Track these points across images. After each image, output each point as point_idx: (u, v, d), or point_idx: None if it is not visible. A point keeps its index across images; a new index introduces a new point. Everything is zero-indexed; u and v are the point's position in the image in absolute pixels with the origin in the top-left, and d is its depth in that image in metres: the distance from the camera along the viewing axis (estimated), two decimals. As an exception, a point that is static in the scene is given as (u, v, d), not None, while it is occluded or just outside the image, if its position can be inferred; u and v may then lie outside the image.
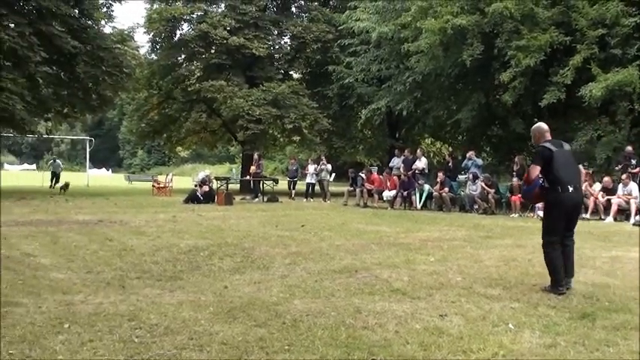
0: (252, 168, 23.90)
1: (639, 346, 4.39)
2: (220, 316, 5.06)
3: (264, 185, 23.38)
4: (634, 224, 14.22)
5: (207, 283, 6.53)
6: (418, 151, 22.04)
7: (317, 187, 23.98)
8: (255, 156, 24.51)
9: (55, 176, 31.61)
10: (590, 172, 17.08)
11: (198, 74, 31.62)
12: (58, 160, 35.34)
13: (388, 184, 20.49)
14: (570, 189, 6.17)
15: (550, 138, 6.51)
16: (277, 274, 7.09)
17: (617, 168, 17.37)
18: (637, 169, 17.07)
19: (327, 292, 6.10)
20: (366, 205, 20.19)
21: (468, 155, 20.11)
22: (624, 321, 5.07)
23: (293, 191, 24.10)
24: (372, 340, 4.48)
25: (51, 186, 30.02)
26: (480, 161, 20.38)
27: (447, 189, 18.93)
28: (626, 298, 5.98)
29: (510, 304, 5.69)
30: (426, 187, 19.56)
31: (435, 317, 5.13)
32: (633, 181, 16.09)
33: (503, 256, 8.58)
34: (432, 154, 36.22)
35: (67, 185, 25.48)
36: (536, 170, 6.30)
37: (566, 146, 6.52)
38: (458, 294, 6.07)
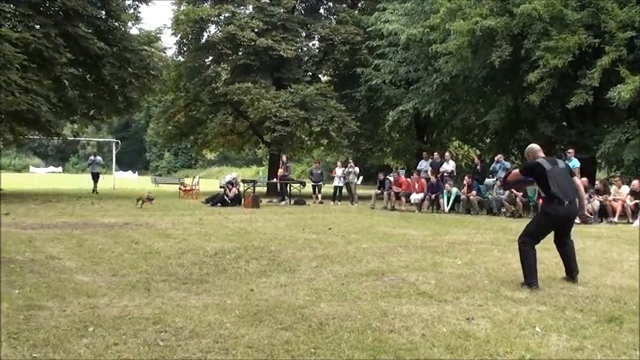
0: (280, 171, 24.03)
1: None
2: (246, 319, 5.09)
3: (292, 188, 23.47)
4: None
5: (233, 286, 6.58)
6: (446, 153, 21.96)
7: (344, 190, 23.95)
8: (283, 158, 24.65)
9: (96, 178, 28.12)
10: (619, 174, 16.91)
11: (226, 76, 31.84)
12: (98, 157, 30.18)
13: (416, 187, 20.44)
14: (566, 203, 6.69)
15: (543, 156, 7.17)
16: (304, 277, 7.12)
17: None
18: None
19: (353, 295, 6.12)
20: (393, 208, 20.19)
21: (496, 159, 20.00)
22: None
23: (319, 195, 23.94)
24: (399, 343, 4.49)
25: (94, 190, 27.08)
26: (508, 164, 20.18)
27: (474, 192, 18.86)
28: None
29: (537, 307, 5.68)
30: (454, 190, 19.50)
31: (462, 320, 5.14)
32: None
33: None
34: (459, 157, 36.07)
35: (149, 198, 19.40)
36: (517, 177, 7.56)
37: (561, 164, 7.12)
38: (485, 297, 6.07)
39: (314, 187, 24.34)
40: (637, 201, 15.75)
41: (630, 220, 15.56)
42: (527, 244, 6.75)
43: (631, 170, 18.64)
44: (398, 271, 7.49)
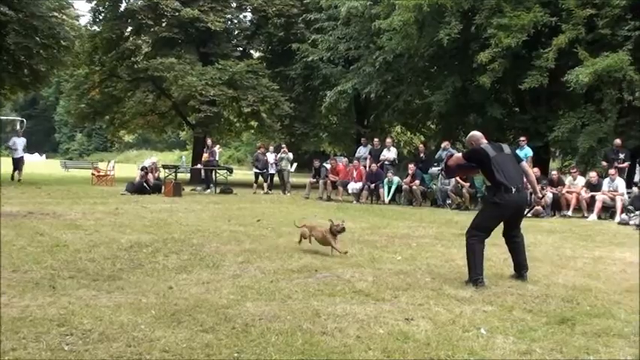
0: (205, 156, 23.75)
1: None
2: (163, 320, 5.01)
3: (217, 175, 23.28)
4: (619, 223, 14.50)
5: (150, 283, 6.47)
6: (388, 140, 22.10)
7: (276, 178, 23.88)
8: (209, 142, 24.38)
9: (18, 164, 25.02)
10: (573, 164, 17.33)
11: (146, 50, 31.39)
12: (21, 139, 25.79)
13: (354, 175, 20.54)
14: (514, 190, 6.77)
15: (487, 142, 7.25)
16: (228, 273, 7.06)
17: (603, 163, 17.63)
18: (625, 164, 17.33)
19: (283, 293, 6.09)
20: (329, 199, 20.30)
21: (442, 146, 20.26)
22: (606, 327, 5.15)
23: (265, 185, 23.22)
24: (331, 346, 4.49)
25: (16, 178, 24.61)
26: (454, 152, 20.43)
27: (417, 182, 19.05)
28: (609, 302, 6.09)
29: (483, 307, 5.76)
30: (395, 179, 19.68)
31: (401, 321, 5.17)
32: (620, 176, 16.36)
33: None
34: (402, 144, 36.57)
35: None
36: (459, 161, 7.48)
37: (507, 149, 7.24)
38: (426, 296, 6.13)
39: (257, 175, 23.77)
40: (593, 193, 16.11)
41: (585, 214, 15.97)
42: (475, 237, 6.82)
43: (585, 159, 19.08)
44: (332, 268, 7.50)
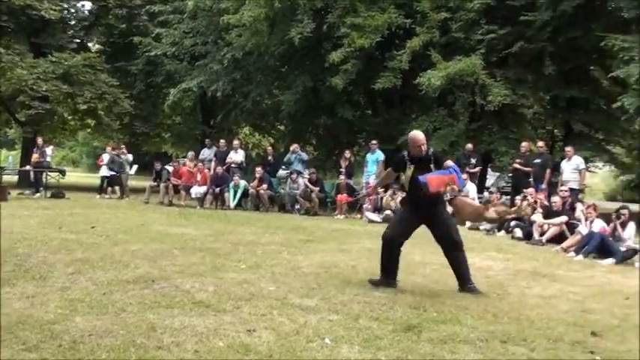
0: (35, 156, 22.78)
1: None
2: (-19, 339, 4.76)
3: (49, 177, 22.40)
4: (469, 228, 15.11)
5: (-33, 298, 6.14)
6: (235, 141, 22.08)
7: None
8: (39, 141, 23.40)
9: None
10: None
11: (-32, 38, 29.70)
12: None
13: (198, 178, 20.34)
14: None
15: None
16: (57, 285, 6.80)
17: None
18: (477, 169, 18.17)
19: (116, 306, 5.94)
20: (171, 204, 19.99)
21: (291, 148, 20.42)
22: (452, 333, 5.37)
23: (119, 190, 22.34)
24: (166, 361, 4.44)
25: None
26: (305, 155, 20.77)
27: (265, 186, 19.12)
28: (456, 307, 6.37)
29: (328, 316, 5.86)
30: (242, 183, 19.64)
31: (242, 333, 5.17)
32: (472, 181, 17.14)
33: (324, 263, 8.85)
34: (251, 146, 36.62)
35: None
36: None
37: None
38: (270, 305, 6.16)
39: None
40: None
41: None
42: (396, 239, 7.33)
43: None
44: (171, 277, 7.40)
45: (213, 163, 20.72)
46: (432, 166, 7.30)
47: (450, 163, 7.37)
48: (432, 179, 7.06)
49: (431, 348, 4.96)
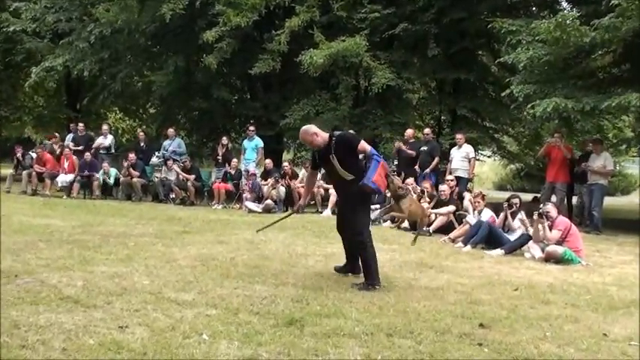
0: None
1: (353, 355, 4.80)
2: None
3: None
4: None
5: None
6: (104, 126, 21.63)
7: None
8: None
9: None
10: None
11: None
12: None
13: (65, 166, 19.81)
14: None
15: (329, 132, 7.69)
16: None
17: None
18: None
19: (-26, 303, 5.77)
20: (35, 193, 19.39)
21: (167, 133, 20.19)
22: (336, 327, 5.40)
23: None
24: (32, 360, 4.36)
25: None
26: (179, 141, 20.57)
27: (137, 174, 18.85)
28: (340, 300, 6.43)
29: (206, 310, 5.83)
30: (113, 171, 19.32)
31: (114, 329, 5.11)
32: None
33: (201, 255, 8.82)
34: (120, 132, 35.96)
35: None
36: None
37: None
38: (143, 300, 6.10)
39: None
40: (326, 185, 16.45)
41: (320, 210, 16.72)
42: (369, 236, 7.33)
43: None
44: (36, 272, 7.23)
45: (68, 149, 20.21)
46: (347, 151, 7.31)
47: (366, 147, 7.25)
48: (377, 180, 7.06)
49: (314, 343, 4.98)
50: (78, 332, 5.00)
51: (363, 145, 7.25)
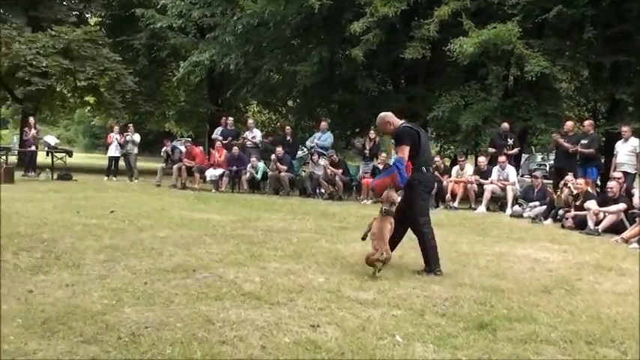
0: (33, 133, 22.80)
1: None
2: (34, 330, 4.77)
3: (55, 159, 22.38)
4: (511, 215, 14.94)
5: (4, 286, 6.12)
6: (250, 120, 22.00)
7: (121, 163, 23.24)
8: (31, 120, 23.39)
9: None
10: (461, 152, 17.68)
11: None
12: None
13: (217, 160, 20.33)
14: (430, 169, 7.77)
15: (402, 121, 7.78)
16: (93, 273, 6.82)
17: (490, 149, 17.89)
18: (514, 150, 17.76)
19: (162, 297, 5.94)
20: (184, 186, 19.99)
21: (322, 127, 20.34)
22: (531, 332, 5.20)
23: (135, 170, 22.74)
24: (236, 358, 4.44)
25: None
26: (327, 135, 20.50)
27: (285, 168, 19.05)
28: (525, 304, 6.20)
29: (390, 310, 5.76)
30: (261, 165, 19.63)
31: (306, 328, 5.13)
32: (510, 164, 16.68)
33: (367, 252, 8.75)
34: (260, 125, 36.56)
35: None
36: (407, 151, 7.40)
37: (421, 129, 7.82)
38: (325, 298, 6.11)
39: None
40: (482, 182, 16.38)
41: (473, 206, 16.40)
42: (426, 225, 7.53)
43: (469, 139, 19.54)
44: (211, 267, 7.41)
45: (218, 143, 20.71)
46: None
47: (399, 151, 7.48)
48: (377, 184, 7.56)
49: (512, 348, 4.82)
50: (272, 330, 5.05)
51: (401, 148, 7.44)
